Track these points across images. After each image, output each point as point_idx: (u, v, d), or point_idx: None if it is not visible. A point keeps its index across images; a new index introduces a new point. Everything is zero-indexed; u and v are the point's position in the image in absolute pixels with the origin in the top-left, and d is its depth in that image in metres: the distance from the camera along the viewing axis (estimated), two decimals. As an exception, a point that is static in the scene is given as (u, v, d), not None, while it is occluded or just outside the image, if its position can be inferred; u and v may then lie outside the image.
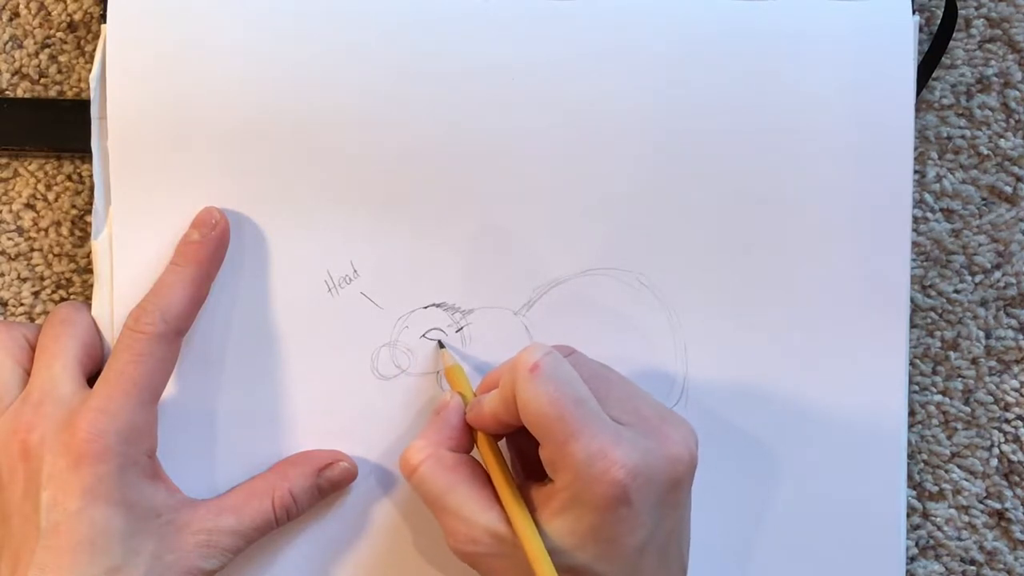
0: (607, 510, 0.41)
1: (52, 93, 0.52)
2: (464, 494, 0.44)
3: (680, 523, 0.44)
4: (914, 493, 0.53)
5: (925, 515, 0.53)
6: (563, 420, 0.42)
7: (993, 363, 0.53)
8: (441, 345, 0.50)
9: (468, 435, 0.46)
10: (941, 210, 0.53)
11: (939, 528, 0.53)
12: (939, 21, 0.52)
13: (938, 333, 0.53)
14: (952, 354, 0.53)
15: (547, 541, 0.42)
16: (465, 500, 0.44)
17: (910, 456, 0.53)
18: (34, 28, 0.52)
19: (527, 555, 0.42)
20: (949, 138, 0.53)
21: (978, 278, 0.53)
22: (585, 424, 0.42)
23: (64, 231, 0.52)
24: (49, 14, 0.52)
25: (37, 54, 0.52)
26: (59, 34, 0.52)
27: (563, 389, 0.42)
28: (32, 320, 0.52)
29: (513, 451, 0.47)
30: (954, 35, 0.52)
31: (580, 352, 0.47)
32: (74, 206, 0.52)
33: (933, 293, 0.53)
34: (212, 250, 0.48)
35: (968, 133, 0.53)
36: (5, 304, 0.53)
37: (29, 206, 0.52)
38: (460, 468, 0.45)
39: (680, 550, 0.44)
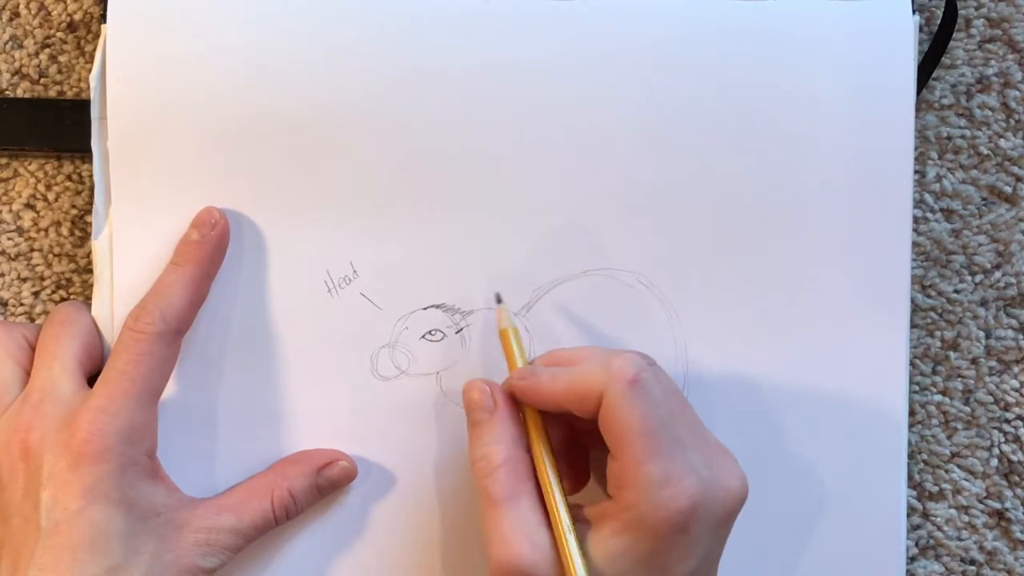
0: (667, 536, 0.41)
1: (52, 93, 0.52)
2: (527, 506, 0.42)
3: (718, 556, 0.44)
4: (914, 493, 0.53)
5: (925, 515, 0.53)
6: (647, 439, 0.41)
7: (993, 363, 0.53)
8: (499, 300, 0.47)
9: (525, 433, 0.44)
10: (941, 210, 0.53)
11: (939, 528, 0.53)
12: (939, 21, 0.52)
13: (938, 333, 0.53)
14: (952, 354, 0.53)
15: (597, 562, 0.41)
16: (527, 512, 0.42)
17: (910, 456, 0.53)
18: (34, 28, 0.52)
19: None
20: (949, 138, 0.53)
21: (978, 278, 0.53)
22: (665, 447, 0.41)
23: (64, 231, 0.52)
24: (49, 14, 0.52)
25: (37, 54, 0.52)
26: (59, 34, 0.52)
27: (656, 409, 0.41)
28: (32, 320, 0.52)
29: None
30: (954, 35, 0.52)
31: (658, 365, 0.44)
32: (74, 206, 0.52)
33: (933, 293, 0.53)
34: (212, 250, 0.48)
35: (968, 133, 0.53)
36: (5, 304, 0.53)
37: (29, 206, 0.52)
38: (530, 477, 0.43)
39: None
